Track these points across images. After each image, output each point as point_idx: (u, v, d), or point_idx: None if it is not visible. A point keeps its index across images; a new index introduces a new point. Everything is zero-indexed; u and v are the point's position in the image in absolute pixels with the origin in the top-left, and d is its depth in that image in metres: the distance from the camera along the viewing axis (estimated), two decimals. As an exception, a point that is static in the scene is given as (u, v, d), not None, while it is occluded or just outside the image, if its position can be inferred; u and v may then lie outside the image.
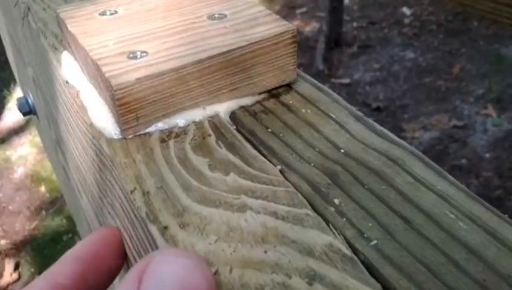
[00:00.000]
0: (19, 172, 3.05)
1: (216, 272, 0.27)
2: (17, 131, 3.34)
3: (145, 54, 0.40)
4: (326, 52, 2.97)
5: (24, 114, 0.89)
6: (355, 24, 3.29)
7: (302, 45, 3.11)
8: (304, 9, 3.48)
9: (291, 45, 0.42)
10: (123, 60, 0.40)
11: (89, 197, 0.56)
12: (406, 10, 3.31)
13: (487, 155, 2.13)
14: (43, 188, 2.93)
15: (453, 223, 0.29)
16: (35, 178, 2.99)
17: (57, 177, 1.04)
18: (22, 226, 2.72)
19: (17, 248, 2.65)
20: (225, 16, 0.44)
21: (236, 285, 0.26)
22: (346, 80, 2.81)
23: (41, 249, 2.54)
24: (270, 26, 0.42)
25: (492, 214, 0.29)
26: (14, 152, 3.20)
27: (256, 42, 0.40)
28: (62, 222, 2.66)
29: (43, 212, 2.78)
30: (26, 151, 3.20)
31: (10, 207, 2.86)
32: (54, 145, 0.76)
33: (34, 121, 0.97)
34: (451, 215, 0.29)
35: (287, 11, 3.52)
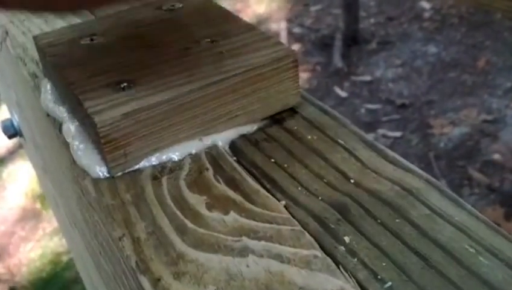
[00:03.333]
0: (11, 189, 3.07)
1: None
2: (8, 146, 3.36)
3: (132, 85, 0.41)
4: (344, 49, 3.02)
5: (9, 137, 0.91)
6: (372, 20, 3.33)
7: (318, 43, 3.17)
8: (318, 7, 3.51)
9: (292, 70, 0.43)
10: (108, 92, 0.40)
11: (80, 231, 0.57)
12: (425, 4, 3.34)
13: None
14: (38, 205, 2.94)
15: (474, 259, 0.29)
16: (30, 195, 3.01)
17: (47, 199, 1.05)
18: (17, 247, 2.74)
19: (12, 272, 2.66)
20: (221, 40, 0.45)
21: (239, 340, 0.27)
22: (367, 78, 2.84)
23: (39, 273, 2.55)
24: (269, 50, 0.43)
25: (516, 246, 0.29)
26: (4, 168, 3.23)
27: (253, 68, 0.41)
28: (61, 241, 2.67)
29: (40, 231, 2.79)
30: (18, 166, 3.22)
31: (3, 227, 2.88)
32: (41, 171, 0.77)
33: (21, 141, 0.99)
34: (471, 250, 0.30)
35: (301, 9, 3.56)
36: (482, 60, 2.76)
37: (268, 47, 0.43)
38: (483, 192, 1.99)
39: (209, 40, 0.45)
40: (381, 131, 2.41)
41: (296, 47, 3.06)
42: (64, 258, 2.57)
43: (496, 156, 2.14)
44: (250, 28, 0.47)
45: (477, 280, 0.28)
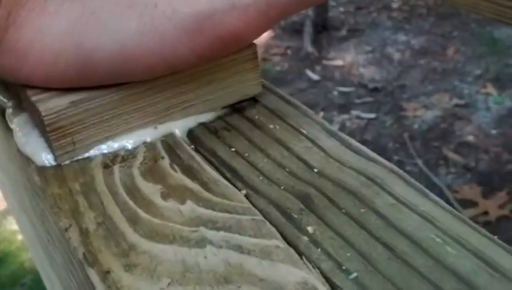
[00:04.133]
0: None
1: (169, 322, 0.26)
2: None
3: (83, 68, 0.39)
4: (314, 35, 3.07)
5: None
6: (341, 9, 3.40)
7: (289, 29, 3.22)
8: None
9: (252, 61, 0.42)
10: None
11: (28, 217, 0.55)
12: (393, -5, 3.42)
13: (493, 132, 2.26)
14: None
15: (440, 249, 0.28)
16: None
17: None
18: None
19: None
20: None
21: (195, 334, 0.25)
22: (339, 62, 2.90)
23: None
24: None
25: (481, 236, 0.29)
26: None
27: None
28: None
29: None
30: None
31: None
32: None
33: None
34: (438, 240, 0.29)
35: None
36: (451, 48, 2.85)
37: None
38: (460, 171, 2.06)
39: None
40: (354, 112, 2.47)
41: (265, 33, 3.11)
42: (20, 237, 2.48)
43: (470, 138, 2.23)
44: None
45: (445, 269, 0.27)
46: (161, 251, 0.30)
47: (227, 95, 0.42)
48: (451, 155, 2.14)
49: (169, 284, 0.28)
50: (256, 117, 0.41)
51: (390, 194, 0.33)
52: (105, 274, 0.29)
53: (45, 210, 0.37)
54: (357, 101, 2.56)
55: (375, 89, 2.63)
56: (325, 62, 2.91)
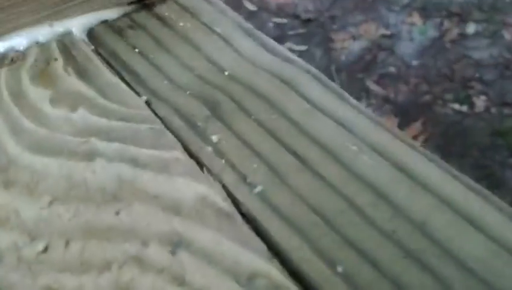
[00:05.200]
0: None
1: (46, 248, 0.22)
2: None
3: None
4: None
5: None
6: None
7: None
8: None
9: None
10: None
11: None
12: None
13: (414, 62, 2.30)
14: None
15: (356, 159, 0.25)
16: None
17: None
18: None
19: None
20: None
21: (75, 263, 0.22)
22: None
23: None
24: None
25: (401, 143, 0.26)
26: None
27: None
28: None
29: None
30: None
31: None
32: None
33: None
34: (354, 148, 0.26)
35: None
36: None
37: None
38: (379, 103, 2.08)
39: None
40: (288, 44, 2.45)
41: None
42: None
43: (392, 69, 2.25)
44: None
45: (360, 181, 0.24)
46: (44, 165, 0.26)
47: None
48: (373, 86, 2.16)
49: (50, 202, 0.24)
50: (166, 14, 0.36)
51: (305, 98, 0.29)
52: None
53: None
54: (291, 32, 2.55)
55: (308, 20, 2.62)
56: None
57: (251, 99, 0.29)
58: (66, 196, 0.24)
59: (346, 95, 0.29)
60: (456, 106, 2.01)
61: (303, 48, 2.46)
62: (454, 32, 2.37)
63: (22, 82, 0.31)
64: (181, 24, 0.36)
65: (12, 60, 0.33)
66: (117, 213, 0.23)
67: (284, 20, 2.65)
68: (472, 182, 0.24)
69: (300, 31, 2.57)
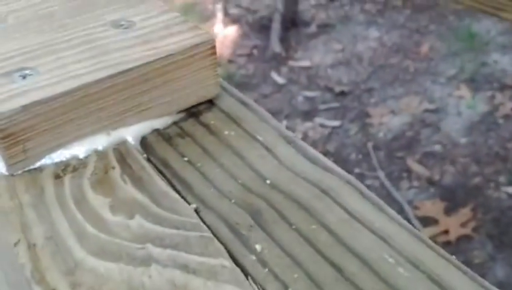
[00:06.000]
0: None
1: None
2: None
3: (35, 73, 0.37)
4: (282, 32, 2.94)
5: None
6: (312, 2, 3.26)
7: (256, 25, 3.08)
8: (255, -14, 3.43)
9: (211, 57, 0.40)
10: (8, 81, 0.36)
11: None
12: (368, -15, 3.30)
13: (462, 140, 2.10)
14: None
15: (393, 271, 0.27)
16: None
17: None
18: None
19: None
20: (134, 23, 0.41)
21: None
22: (306, 63, 2.75)
23: None
24: (185, 36, 0.39)
25: (438, 256, 0.28)
26: None
27: (167, 56, 0.38)
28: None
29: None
30: None
31: None
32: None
33: None
34: (391, 260, 0.28)
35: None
36: (425, 45, 2.70)
37: (184, 32, 0.40)
38: (423, 185, 1.89)
39: (118, 23, 0.42)
40: (318, 120, 2.31)
41: (232, 29, 2.98)
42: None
43: (437, 147, 2.07)
44: (165, 10, 0.43)
45: (394, 293, 0.26)
46: (107, 269, 0.28)
47: (183, 98, 0.40)
48: (416, 167, 1.96)
49: (112, 307, 0.26)
50: (212, 122, 0.39)
51: (344, 208, 0.31)
52: None
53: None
54: (322, 107, 2.38)
55: (342, 93, 2.47)
56: (291, 63, 2.77)
57: (291, 209, 0.32)
58: (126, 301, 0.27)
59: (384, 205, 0.31)
60: (511, 190, 1.86)
61: (336, 123, 2.32)
62: (508, 107, 2.19)
63: (83, 189, 0.34)
64: (226, 132, 0.39)
65: (74, 167, 0.36)
66: (171, 319, 0.26)
67: (315, 93, 2.54)
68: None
69: (333, 104, 2.43)
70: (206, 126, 0.39)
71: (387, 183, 1.88)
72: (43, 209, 0.33)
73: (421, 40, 2.77)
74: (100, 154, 0.37)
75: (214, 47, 0.40)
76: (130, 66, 0.37)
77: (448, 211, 1.76)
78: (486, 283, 0.26)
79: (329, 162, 0.35)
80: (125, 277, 0.28)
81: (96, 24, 0.42)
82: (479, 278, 0.26)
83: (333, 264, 0.28)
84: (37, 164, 0.36)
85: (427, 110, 2.29)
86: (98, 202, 0.33)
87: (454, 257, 0.27)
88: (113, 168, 0.36)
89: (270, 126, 0.39)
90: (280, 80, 2.66)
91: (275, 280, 0.27)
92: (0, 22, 0.44)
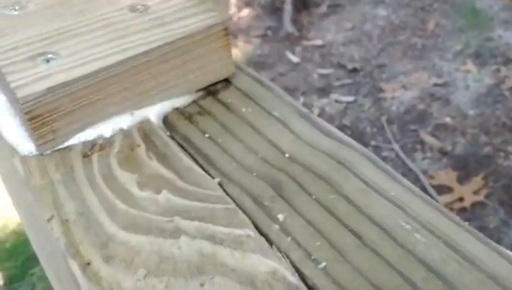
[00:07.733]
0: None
1: (145, 317, 0.25)
2: None
3: (57, 57, 0.37)
4: (294, 13, 2.95)
5: None
6: None
7: (269, 7, 3.08)
8: (267, -30, 3.41)
9: (225, 38, 0.40)
10: (32, 65, 0.37)
11: (18, 208, 0.54)
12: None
13: (471, 112, 2.14)
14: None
15: (410, 237, 0.28)
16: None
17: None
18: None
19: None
20: (148, 7, 0.42)
21: (169, 329, 0.25)
22: (319, 42, 2.77)
23: (3, 244, 2.42)
24: (200, 18, 0.40)
25: (451, 222, 0.28)
26: None
27: (185, 37, 0.38)
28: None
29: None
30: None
31: None
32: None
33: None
34: (407, 227, 0.28)
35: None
36: (431, 22, 2.71)
37: (198, 14, 0.40)
38: (436, 156, 1.93)
39: (137, 7, 0.42)
40: (334, 96, 2.34)
41: (246, 12, 2.97)
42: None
43: (447, 119, 2.10)
44: None
45: (413, 258, 0.27)
46: (137, 242, 0.29)
47: (201, 77, 0.41)
48: (428, 139, 2.01)
49: (145, 275, 0.27)
50: (229, 100, 0.40)
51: (360, 178, 0.32)
52: (85, 266, 0.28)
53: (29, 201, 0.36)
54: (336, 83, 2.42)
55: (354, 70, 2.50)
56: (305, 42, 2.79)
57: (311, 180, 0.32)
58: (158, 269, 0.27)
59: (399, 175, 0.32)
60: (520, 158, 1.87)
61: (350, 98, 2.35)
62: (513, 79, 2.23)
63: (111, 167, 0.35)
64: (243, 109, 0.39)
65: (101, 146, 0.37)
66: (202, 285, 0.26)
67: (329, 71, 2.57)
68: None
69: (347, 81, 2.46)
70: (224, 104, 0.40)
71: (402, 155, 1.92)
72: (73, 187, 0.34)
73: (426, 18, 2.77)
74: (125, 133, 0.37)
75: (226, 28, 0.40)
76: (151, 46, 0.37)
77: (461, 180, 1.81)
78: (500, 248, 0.27)
79: (343, 136, 0.35)
80: (156, 249, 0.29)
81: (113, 9, 0.42)
82: (493, 243, 0.27)
83: (353, 232, 0.28)
84: (66, 144, 0.37)
85: (436, 85, 2.32)
86: (126, 178, 0.34)
87: (469, 223, 0.28)
88: (139, 145, 0.36)
89: (285, 102, 0.39)
90: (295, 58, 2.67)
91: (298, 248, 0.28)
92: (20, 9, 0.44)
